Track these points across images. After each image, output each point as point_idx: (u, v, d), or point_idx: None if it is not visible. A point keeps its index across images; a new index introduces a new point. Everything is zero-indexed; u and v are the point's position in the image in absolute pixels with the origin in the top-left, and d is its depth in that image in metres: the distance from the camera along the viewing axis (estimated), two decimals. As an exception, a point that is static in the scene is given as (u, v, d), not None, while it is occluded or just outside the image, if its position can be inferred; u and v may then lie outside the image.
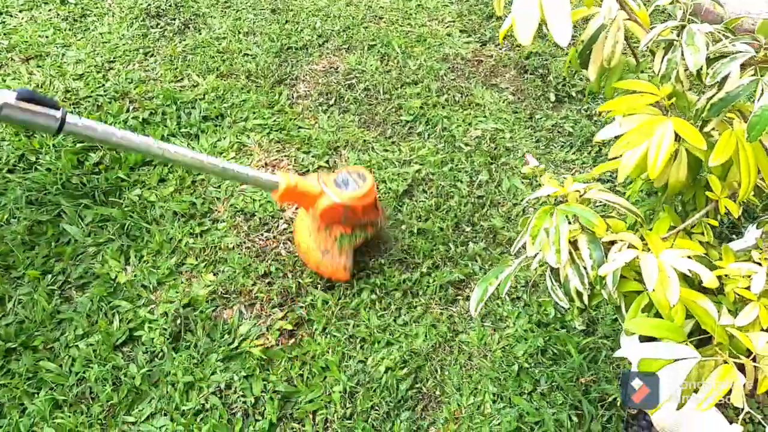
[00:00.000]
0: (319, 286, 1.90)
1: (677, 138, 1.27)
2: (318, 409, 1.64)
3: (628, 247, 1.14)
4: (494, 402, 1.64)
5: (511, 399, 1.65)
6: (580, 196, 1.22)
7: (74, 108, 2.48)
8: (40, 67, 2.70)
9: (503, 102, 2.52)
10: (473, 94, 2.55)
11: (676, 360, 1.03)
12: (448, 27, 2.90)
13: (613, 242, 1.20)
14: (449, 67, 2.69)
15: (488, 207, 2.11)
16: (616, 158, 1.18)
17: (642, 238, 1.17)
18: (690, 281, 1.24)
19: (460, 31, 2.88)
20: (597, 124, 2.41)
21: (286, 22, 2.92)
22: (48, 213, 2.10)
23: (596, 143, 2.32)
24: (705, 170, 1.33)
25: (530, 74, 2.65)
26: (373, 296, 1.88)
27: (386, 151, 2.32)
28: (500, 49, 2.79)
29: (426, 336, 1.78)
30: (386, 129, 2.41)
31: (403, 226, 2.05)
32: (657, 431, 1.59)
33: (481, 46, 2.81)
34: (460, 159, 2.27)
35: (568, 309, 1.72)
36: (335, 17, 2.94)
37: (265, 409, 1.64)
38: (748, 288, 1.14)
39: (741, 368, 1.09)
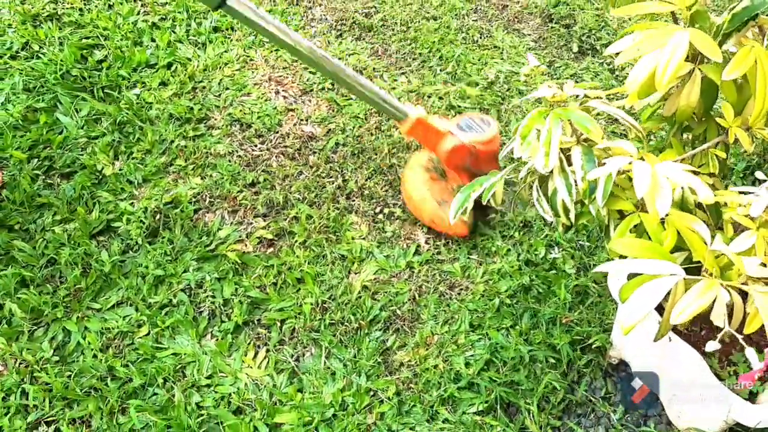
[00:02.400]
0: (305, 200, 1.84)
1: (693, 59, 1.18)
2: (286, 318, 1.59)
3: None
4: (470, 333, 1.58)
5: (487, 333, 1.58)
6: (580, 104, 1.14)
7: (84, 4, 2.42)
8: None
9: (523, 47, 2.42)
10: (493, 36, 2.45)
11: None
12: (477, -30, 2.79)
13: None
14: (472, 8, 2.58)
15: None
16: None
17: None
18: (686, 209, 1.15)
19: (490, -25, 2.78)
20: (618, 78, 2.31)
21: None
22: (44, 102, 2.05)
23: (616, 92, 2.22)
24: (720, 98, 1.24)
25: (555, 23, 2.54)
26: (359, 218, 1.82)
27: (394, 80, 2.23)
28: (529, -3, 2.68)
29: (408, 261, 1.72)
30: (398, 60, 2.32)
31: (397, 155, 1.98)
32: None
33: (509, -8, 2.70)
34: (469, 96, 2.18)
35: (553, 224, 1.62)
36: (362, -53, 2.84)
37: (232, 311, 1.59)
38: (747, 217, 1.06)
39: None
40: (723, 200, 1.11)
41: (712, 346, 0.87)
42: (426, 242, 1.78)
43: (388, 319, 1.61)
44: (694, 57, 1.18)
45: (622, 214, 1.13)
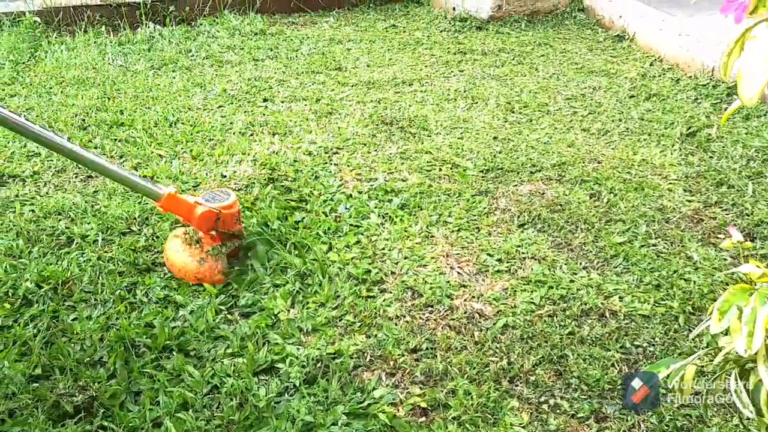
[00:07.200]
0: (465, 375, 1.76)
1: None
2: (428, 496, 1.45)
3: None
4: None
5: None
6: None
7: (296, 172, 2.74)
8: (281, 141, 3.07)
9: (719, 260, 2.26)
10: (685, 246, 2.33)
11: None
12: (671, 184, 2.76)
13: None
14: (663, 218, 2.51)
15: (670, 351, 1.84)
16: None
17: None
18: None
19: (684, 190, 2.72)
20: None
21: (505, 149, 3.01)
22: (244, 247, 2.26)
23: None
24: None
25: (760, 240, 2.37)
26: (521, 404, 1.69)
27: (574, 273, 2.17)
28: (726, 214, 2.56)
29: (572, 462, 1.53)
30: (579, 255, 2.28)
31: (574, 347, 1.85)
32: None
33: (704, 207, 2.61)
34: (655, 299, 2.05)
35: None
36: (553, 153, 2.97)
37: (373, 474, 1.49)
38: None
39: None
40: None
41: None
42: (593, 444, 1.58)
43: None
44: None
45: None
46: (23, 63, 4.02)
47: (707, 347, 1.92)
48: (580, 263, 2.24)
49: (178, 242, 2.17)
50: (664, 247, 2.33)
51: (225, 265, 2.13)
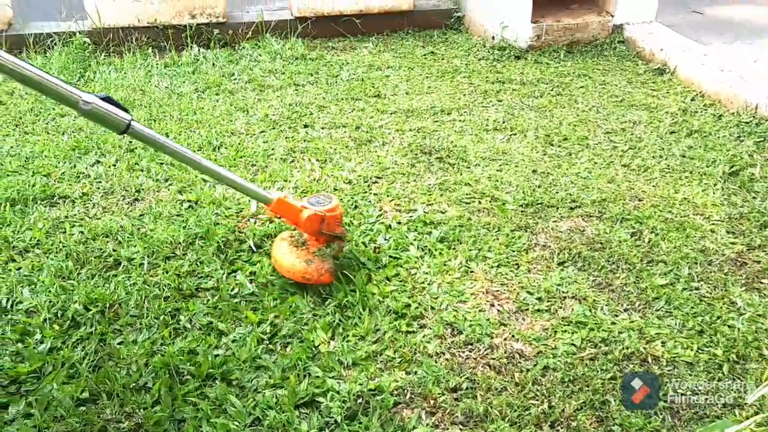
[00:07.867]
0: (506, 418, 1.76)
1: None
2: None
3: None
4: None
5: None
6: None
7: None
8: (322, 168, 3.11)
9: (763, 307, 2.23)
10: (728, 291, 2.30)
11: None
12: (713, 225, 2.72)
13: None
14: (706, 260, 2.48)
15: (714, 400, 1.81)
16: None
17: None
18: None
19: (727, 231, 2.68)
20: None
21: (544, 183, 3.01)
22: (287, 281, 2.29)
23: None
24: None
25: (805, 288, 2.33)
26: (563, 450, 1.68)
27: (616, 315, 2.16)
28: (771, 257, 2.53)
29: None
30: (621, 296, 2.26)
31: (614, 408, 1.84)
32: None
33: (748, 249, 2.57)
34: (698, 345, 2.02)
35: None
36: (593, 189, 2.96)
37: None
38: None
39: None
40: None
41: None
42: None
43: None
44: None
45: None
46: (73, 83, 4.14)
47: (755, 397, 1.89)
48: (622, 305, 2.22)
49: (285, 245, 2.30)
50: (707, 291, 2.30)
51: (331, 265, 2.23)
